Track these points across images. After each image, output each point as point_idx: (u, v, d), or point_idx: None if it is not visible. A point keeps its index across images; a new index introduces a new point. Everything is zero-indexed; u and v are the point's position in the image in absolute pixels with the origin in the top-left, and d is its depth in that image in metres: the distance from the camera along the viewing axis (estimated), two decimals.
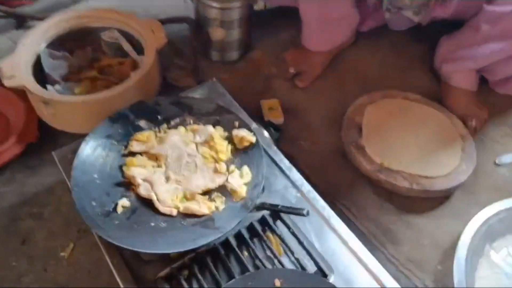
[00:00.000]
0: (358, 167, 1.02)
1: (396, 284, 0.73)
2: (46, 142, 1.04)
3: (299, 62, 1.23)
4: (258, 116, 1.10)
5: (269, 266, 0.75)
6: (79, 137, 0.84)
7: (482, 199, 1.00)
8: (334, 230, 0.80)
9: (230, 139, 0.86)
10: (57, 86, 1.10)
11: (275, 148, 0.91)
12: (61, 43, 1.15)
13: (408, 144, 1.04)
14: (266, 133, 0.94)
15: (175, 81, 1.19)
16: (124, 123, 0.87)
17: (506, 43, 1.02)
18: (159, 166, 0.83)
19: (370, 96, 1.13)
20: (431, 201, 1.01)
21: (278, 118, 1.11)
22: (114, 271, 0.73)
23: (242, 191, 0.77)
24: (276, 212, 0.75)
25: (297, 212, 0.70)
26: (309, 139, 1.11)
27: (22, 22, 1.34)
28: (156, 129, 0.88)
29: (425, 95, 1.17)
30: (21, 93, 1.02)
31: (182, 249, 0.70)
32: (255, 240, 0.79)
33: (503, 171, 1.09)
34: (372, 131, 1.05)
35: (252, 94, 1.20)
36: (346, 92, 1.21)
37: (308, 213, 0.69)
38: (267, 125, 0.97)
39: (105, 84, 1.12)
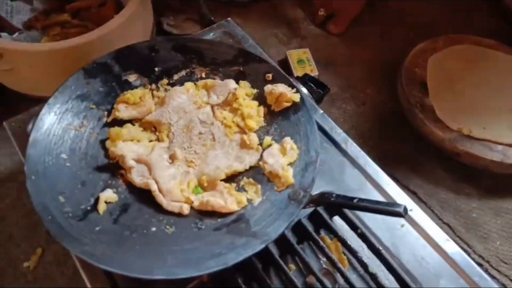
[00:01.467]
0: (426, 135, 0.75)
1: None
2: (1, 109, 0.76)
3: (331, 1, 0.95)
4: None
5: (329, 285, 0.49)
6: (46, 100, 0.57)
7: None
8: (418, 228, 0.54)
9: (261, 99, 0.59)
10: (17, 35, 0.83)
11: (321, 111, 0.64)
12: None
13: (492, 104, 0.77)
14: (305, 91, 0.67)
15: (175, 28, 0.91)
16: (106, 77, 0.59)
17: None
18: (159, 139, 0.56)
19: (432, 42, 0.86)
20: None
21: (311, 73, 0.84)
22: None
23: (288, 174, 0.51)
24: (350, 207, 0.49)
25: (390, 210, 0.43)
26: (353, 100, 0.85)
27: None
28: (153, 85, 0.61)
29: (499, 37, 0.90)
30: None
31: (203, 272, 0.44)
32: (305, 245, 0.53)
33: None
34: (441, 87, 0.79)
35: (273, 43, 0.93)
36: (394, 38, 0.95)
37: (406, 212, 0.42)
38: (307, 80, 0.70)
39: (80, 31, 0.84)
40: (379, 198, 0.57)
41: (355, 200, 0.45)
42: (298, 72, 0.86)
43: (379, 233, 0.54)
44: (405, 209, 0.42)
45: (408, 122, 0.79)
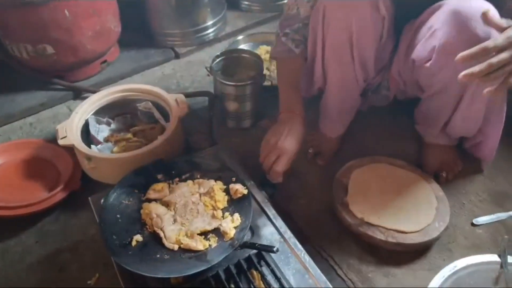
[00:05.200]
0: (342, 221, 1.17)
1: None
2: (87, 190, 1.27)
3: (319, 144, 1.40)
4: (263, 175, 1.28)
5: None
6: (113, 187, 1.07)
7: (457, 256, 1.12)
8: (309, 272, 0.95)
9: (227, 191, 1.06)
10: (99, 146, 1.36)
11: (266, 201, 1.10)
12: (106, 111, 1.42)
13: (387, 203, 1.19)
14: (261, 190, 1.13)
15: (196, 144, 1.42)
16: (146, 175, 1.09)
17: (447, 95, 1.16)
18: (169, 210, 1.03)
19: (359, 161, 1.30)
20: (409, 254, 1.14)
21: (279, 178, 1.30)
22: None
23: (231, 233, 0.96)
24: (256, 249, 0.92)
25: (269, 249, 0.87)
26: (305, 197, 1.29)
27: (78, 94, 1.65)
28: (170, 181, 1.10)
29: (411, 160, 1.33)
30: (70, 150, 1.28)
31: (178, 275, 0.88)
32: (242, 276, 0.95)
33: (480, 231, 1.21)
34: (356, 190, 1.22)
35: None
36: (342, 157, 1.39)
37: (277, 250, 0.86)
38: (264, 183, 1.16)
39: (138, 145, 1.35)
40: (290, 252, 0.99)
41: (256, 245, 0.89)
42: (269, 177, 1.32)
43: (285, 272, 0.95)
44: (277, 249, 0.86)
45: (334, 213, 1.22)
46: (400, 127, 1.48)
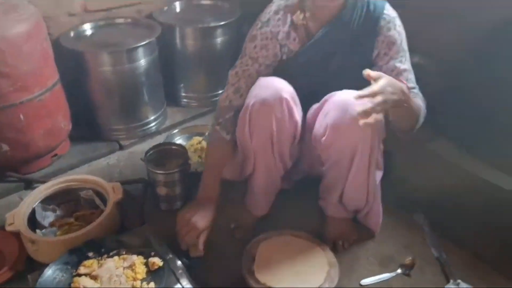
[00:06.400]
0: (250, 286, 1.39)
1: None
2: (29, 270, 1.45)
3: (240, 219, 1.63)
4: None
5: None
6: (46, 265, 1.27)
7: None
8: None
9: (147, 264, 1.27)
10: (44, 230, 1.56)
11: (181, 272, 1.31)
12: (53, 199, 1.64)
13: (286, 269, 1.42)
14: (179, 262, 1.35)
15: (130, 224, 1.64)
16: (78, 254, 1.30)
17: (339, 167, 1.44)
18: (96, 283, 1.23)
19: (267, 234, 1.55)
20: None
21: (199, 252, 1.51)
22: None
23: None
24: None
25: None
26: (220, 268, 1.51)
27: (29, 185, 1.86)
28: (99, 258, 1.31)
29: (314, 231, 1.58)
30: (18, 235, 1.48)
31: None
32: None
33: None
34: (262, 260, 1.45)
35: None
36: (259, 231, 1.62)
37: None
38: (182, 255, 1.38)
39: (79, 228, 1.56)
40: None
41: None
42: (190, 251, 1.54)
43: None
44: None
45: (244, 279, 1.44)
46: (308, 204, 1.75)
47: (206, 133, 2.02)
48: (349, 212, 1.61)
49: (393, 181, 1.74)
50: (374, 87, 1.14)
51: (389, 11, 1.44)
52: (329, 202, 1.59)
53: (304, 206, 1.75)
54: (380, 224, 1.61)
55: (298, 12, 1.45)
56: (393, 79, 1.20)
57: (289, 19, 1.47)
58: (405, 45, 1.45)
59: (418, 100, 1.38)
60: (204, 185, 1.54)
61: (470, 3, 1.92)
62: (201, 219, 1.41)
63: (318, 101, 1.46)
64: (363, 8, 1.42)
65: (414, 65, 1.53)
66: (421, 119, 1.40)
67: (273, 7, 1.50)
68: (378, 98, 1.13)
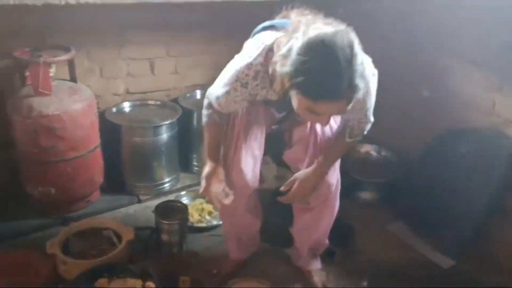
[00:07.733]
0: None
1: None
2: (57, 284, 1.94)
3: (222, 266, 2.08)
4: None
5: None
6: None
7: None
8: None
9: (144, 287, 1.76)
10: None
11: None
12: (81, 234, 2.17)
13: None
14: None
15: (136, 259, 2.13)
16: (96, 273, 1.79)
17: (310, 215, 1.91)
18: None
19: (232, 282, 2.00)
20: None
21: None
22: None
23: None
24: None
25: None
26: None
27: (66, 222, 2.39)
28: (111, 277, 1.80)
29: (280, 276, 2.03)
30: (53, 257, 1.98)
31: None
32: None
33: None
34: None
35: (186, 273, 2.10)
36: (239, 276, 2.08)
37: None
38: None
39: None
40: None
41: None
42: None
43: None
44: None
45: None
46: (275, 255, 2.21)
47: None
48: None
49: (350, 252, 2.21)
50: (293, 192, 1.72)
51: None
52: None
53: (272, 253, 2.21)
54: None
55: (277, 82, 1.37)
56: (305, 179, 1.69)
57: (267, 84, 1.47)
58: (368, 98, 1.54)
59: (342, 145, 1.71)
60: (210, 153, 1.76)
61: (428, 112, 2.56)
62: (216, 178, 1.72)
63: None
64: None
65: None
66: (359, 137, 1.72)
67: (251, 70, 1.45)
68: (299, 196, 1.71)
